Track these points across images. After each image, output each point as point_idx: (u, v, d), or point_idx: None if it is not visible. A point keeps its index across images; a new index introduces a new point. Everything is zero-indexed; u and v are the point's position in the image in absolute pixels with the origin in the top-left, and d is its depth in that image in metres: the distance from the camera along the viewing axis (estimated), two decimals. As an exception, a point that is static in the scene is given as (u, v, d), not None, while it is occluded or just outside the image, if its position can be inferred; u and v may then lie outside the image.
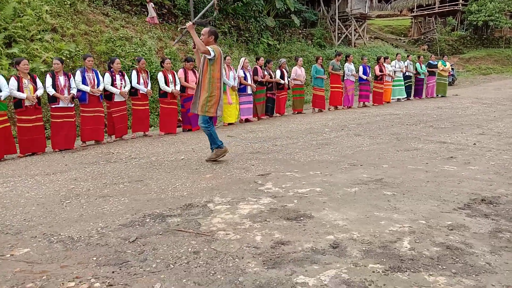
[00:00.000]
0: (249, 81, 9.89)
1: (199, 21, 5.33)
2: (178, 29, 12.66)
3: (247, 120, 10.16)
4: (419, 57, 15.41)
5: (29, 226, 3.40)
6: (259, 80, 10.12)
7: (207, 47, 5.19)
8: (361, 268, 2.46)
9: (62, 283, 2.39)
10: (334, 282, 2.30)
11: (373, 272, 2.40)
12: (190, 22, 5.44)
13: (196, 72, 9.07)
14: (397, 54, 14.81)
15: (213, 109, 5.42)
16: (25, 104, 6.89)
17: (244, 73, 9.84)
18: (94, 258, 2.73)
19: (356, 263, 2.52)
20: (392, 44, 27.56)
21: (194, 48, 5.35)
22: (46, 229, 3.32)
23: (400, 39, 31.57)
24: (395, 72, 13.56)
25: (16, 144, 7.10)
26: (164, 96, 8.65)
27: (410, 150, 6.01)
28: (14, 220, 3.58)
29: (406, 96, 14.23)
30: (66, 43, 10.91)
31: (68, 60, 10.35)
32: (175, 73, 8.76)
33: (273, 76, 10.70)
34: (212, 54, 5.20)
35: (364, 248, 2.73)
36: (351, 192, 4.02)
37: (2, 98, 6.63)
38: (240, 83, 9.79)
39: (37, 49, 10.17)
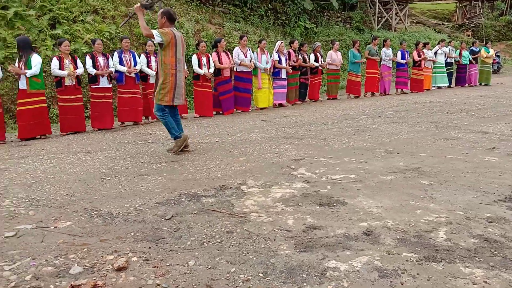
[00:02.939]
0: (284, 65, 9.81)
1: (148, 3, 5.00)
2: (127, 11, 12.32)
3: (280, 105, 10.11)
4: (461, 43, 14.72)
5: (71, 201, 3.56)
6: (291, 64, 9.99)
7: (152, 31, 4.86)
8: (395, 256, 2.43)
9: (102, 256, 2.50)
10: (366, 268, 2.29)
11: (407, 260, 2.37)
12: (138, 4, 5.06)
13: (229, 54, 9.11)
14: (442, 40, 14.18)
15: (168, 98, 5.04)
16: (65, 84, 7.16)
17: (279, 57, 9.75)
18: (132, 234, 2.83)
19: (390, 251, 2.49)
20: (435, 30, 26.47)
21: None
22: (87, 204, 3.46)
23: (443, 24, 30.25)
24: (435, 58, 13.07)
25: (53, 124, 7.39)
26: (197, 79, 8.72)
27: (450, 139, 5.82)
28: (58, 194, 3.76)
29: (448, 84, 13.72)
30: (106, 24, 11.15)
31: (108, 42, 10.60)
32: (210, 56, 8.80)
33: (307, 59, 10.54)
34: (159, 38, 4.85)
35: (398, 237, 2.69)
36: (387, 180, 3.96)
37: (28, 75, 6.74)
38: (274, 67, 9.72)
39: (79, 30, 10.46)
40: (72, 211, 3.31)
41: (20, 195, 3.75)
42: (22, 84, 6.82)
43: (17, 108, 6.93)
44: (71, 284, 2.12)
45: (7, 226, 3.01)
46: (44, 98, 7.14)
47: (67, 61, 7.17)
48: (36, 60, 6.84)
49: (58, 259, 2.46)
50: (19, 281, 2.22)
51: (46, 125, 7.11)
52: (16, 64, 6.80)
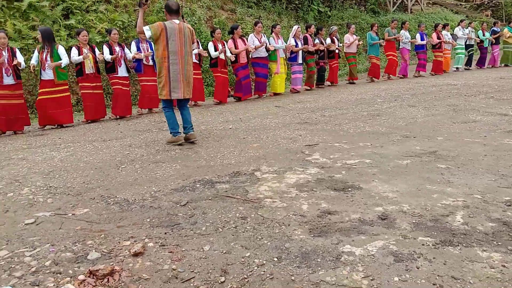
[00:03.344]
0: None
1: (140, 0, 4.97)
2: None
3: (295, 91, 10.05)
4: (482, 23, 14.31)
5: (88, 189, 3.62)
6: (309, 49, 9.91)
7: (144, 27, 4.81)
8: (410, 240, 2.41)
9: (119, 242, 2.54)
10: (381, 253, 2.28)
11: (423, 245, 2.35)
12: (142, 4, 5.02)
13: (245, 40, 9.05)
14: (461, 21, 13.75)
15: (165, 92, 4.98)
16: (86, 72, 7.29)
17: (296, 42, 9.65)
18: (148, 220, 2.87)
19: (405, 236, 2.47)
20: (452, 10, 25.80)
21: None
22: (104, 192, 3.51)
23: (460, 4, 29.41)
24: (456, 39, 12.76)
25: (75, 112, 7.54)
26: (215, 66, 8.71)
27: (468, 122, 5.71)
28: (75, 182, 3.82)
29: (465, 65, 13.43)
30: (119, 13, 11.16)
31: (121, 31, 10.61)
32: (225, 43, 8.75)
33: (324, 44, 10.43)
34: (148, 33, 4.79)
35: (414, 221, 2.66)
36: (403, 164, 3.91)
37: (63, 65, 7.04)
38: (292, 52, 9.64)
39: (92, 20, 10.50)
40: (89, 199, 3.36)
41: (39, 183, 3.82)
42: (48, 75, 6.99)
43: (39, 97, 7.07)
44: (89, 269, 2.16)
45: (27, 213, 3.08)
46: (67, 87, 7.36)
47: (85, 50, 7.28)
48: (64, 51, 7.08)
49: (76, 245, 2.51)
50: (39, 266, 2.28)
51: (69, 113, 7.32)
52: (38, 54, 6.96)
